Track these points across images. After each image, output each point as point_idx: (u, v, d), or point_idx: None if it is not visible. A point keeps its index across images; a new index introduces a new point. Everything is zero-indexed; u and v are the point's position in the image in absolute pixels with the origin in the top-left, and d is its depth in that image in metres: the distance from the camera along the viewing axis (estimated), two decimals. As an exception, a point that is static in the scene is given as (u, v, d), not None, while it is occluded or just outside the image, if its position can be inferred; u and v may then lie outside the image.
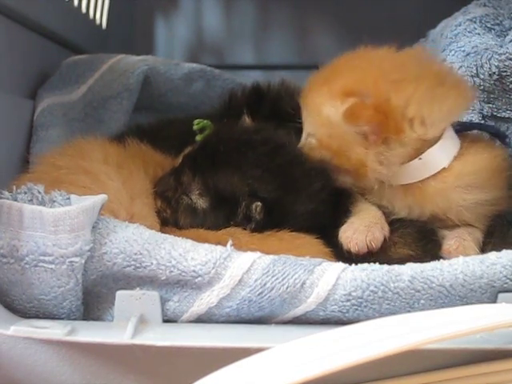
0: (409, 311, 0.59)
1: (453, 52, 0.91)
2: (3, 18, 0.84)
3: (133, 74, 1.01)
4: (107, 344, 0.57)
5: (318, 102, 0.78)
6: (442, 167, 0.75)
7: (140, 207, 0.75)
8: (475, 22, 0.92)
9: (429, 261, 0.61)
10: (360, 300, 0.59)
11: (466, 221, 0.77)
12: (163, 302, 0.61)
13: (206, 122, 0.89)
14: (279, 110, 0.91)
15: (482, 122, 0.91)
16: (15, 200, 0.61)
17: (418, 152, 0.74)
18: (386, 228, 0.75)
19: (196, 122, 0.89)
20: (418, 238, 0.75)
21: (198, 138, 0.88)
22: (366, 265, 0.61)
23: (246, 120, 0.86)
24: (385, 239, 0.74)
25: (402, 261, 0.62)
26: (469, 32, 0.92)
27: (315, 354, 0.47)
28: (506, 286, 0.59)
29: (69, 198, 0.62)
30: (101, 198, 0.62)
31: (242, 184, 0.75)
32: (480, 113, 0.91)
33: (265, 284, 0.59)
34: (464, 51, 0.90)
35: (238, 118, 0.88)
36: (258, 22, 1.44)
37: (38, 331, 0.57)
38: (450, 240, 0.75)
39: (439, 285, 0.59)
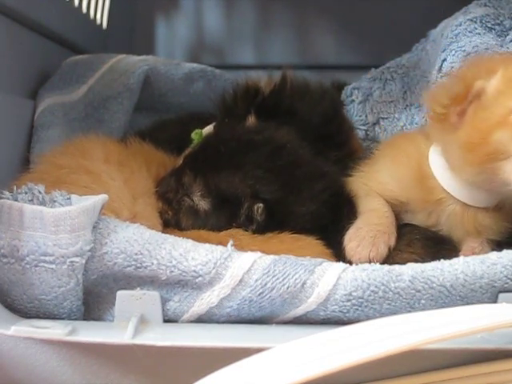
0: (409, 311, 0.59)
1: (453, 52, 0.91)
2: (4, 17, 0.84)
3: (133, 73, 1.01)
4: (108, 344, 0.57)
5: None
6: None
7: (143, 207, 0.75)
8: (476, 22, 0.92)
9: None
10: (360, 300, 0.59)
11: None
12: (164, 301, 0.61)
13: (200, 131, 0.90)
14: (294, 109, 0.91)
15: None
16: (16, 200, 0.61)
17: None
18: (393, 238, 0.74)
19: (194, 133, 0.90)
20: (427, 245, 0.74)
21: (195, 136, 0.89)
22: (366, 265, 0.61)
23: (251, 120, 0.86)
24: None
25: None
26: (469, 32, 0.92)
27: (315, 354, 0.47)
28: (506, 285, 0.59)
29: (69, 198, 0.62)
30: (101, 198, 0.62)
31: (244, 185, 0.75)
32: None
33: (265, 284, 0.59)
34: (464, 51, 0.90)
35: (243, 116, 0.88)
36: (258, 22, 1.44)
37: (38, 331, 0.57)
38: (473, 243, 0.75)
39: (440, 285, 0.59)
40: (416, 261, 0.70)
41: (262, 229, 0.74)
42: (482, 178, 0.71)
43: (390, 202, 0.78)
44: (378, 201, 0.78)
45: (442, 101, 0.74)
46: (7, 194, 0.62)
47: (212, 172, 0.77)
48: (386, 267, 0.61)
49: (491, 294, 0.60)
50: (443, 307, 0.58)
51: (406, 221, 0.79)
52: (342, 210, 0.78)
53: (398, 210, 0.79)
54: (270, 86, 0.94)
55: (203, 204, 0.77)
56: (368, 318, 0.59)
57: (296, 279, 0.59)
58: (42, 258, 0.58)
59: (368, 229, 0.73)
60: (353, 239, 0.73)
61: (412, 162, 0.78)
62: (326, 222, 0.76)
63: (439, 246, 0.74)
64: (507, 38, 0.89)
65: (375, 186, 0.79)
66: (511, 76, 0.71)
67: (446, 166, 0.75)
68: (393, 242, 0.73)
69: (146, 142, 0.87)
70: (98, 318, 0.62)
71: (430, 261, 0.62)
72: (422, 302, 0.59)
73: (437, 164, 0.76)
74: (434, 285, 0.59)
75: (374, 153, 0.83)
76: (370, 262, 0.70)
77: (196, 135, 0.90)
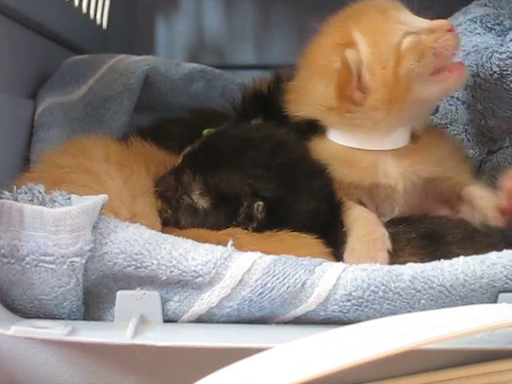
0: (409, 311, 0.59)
1: (453, 52, 0.91)
2: (3, 17, 0.84)
3: (133, 73, 1.01)
4: (108, 344, 0.57)
5: None
6: None
7: (142, 206, 0.75)
8: (476, 22, 0.92)
9: None
10: (361, 300, 0.59)
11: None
12: (164, 301, 0.61)
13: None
14: None
15: (483, 121, 0.91)
16: (16, 200, 0.61)
17: None
18: (386, 238, 0.73)
19: (205, 131, 0.90)
20: (424, 245, 0.73)
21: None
22: (366, 265, 0.61)
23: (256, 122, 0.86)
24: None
25: None
26: (469, 32, 0.92)
27: (315, 354, 0.47)
28: (506, 286, 0.59)
29: (69, 198, 0.62)
30: (101, 197, 0.62)
31: (244, 184, 0.75)
32: (481, 113, 0.91)
33: (265, 284, 0.59)
34: (464, 50, 0.90)
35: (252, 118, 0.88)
36: (258, 22, 1.44)
37: (38, 331, 0.57)
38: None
39: (440, 285, 0.59)
40: (416, 262, 0.69)
41: (263, 227, 0.74)
42: (408, 113, 0.77)
43: (356, 191, 0.79)
44: (355, 208, 0.78)
45: (328, 94, 0.78)
46: (7, 193, 0.62)
47: (211, 170, 0.77)
48: (386, 267, 0.61)
49: (491, 293, 0.60)
50: (443, 307, 0.58)
51: (386, 212, 0.79)
52: (340, 208, 0.78)
53: (372, 201, 0.80)
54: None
55: (202, 202, 0.77)
56: (368, 317, 0.59)
57: (296, 279, 0.59)
58: (42, 258, 0.58)
59: (360, 245, 0.73)
60: (351, 261, 0.72)
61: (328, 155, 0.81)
62: (326, 220, 0.77)
63: (435, 242, 0.74)
64: (507, 36, 0.89)
65: None
66: (364, 28, 0.77)
67: (357, 133, 0.78)
68: (388, 243, 0.73)
69: (148, 140, 0.87)
70: (98, 318, 0.62)
71: (428, 260, 0.62)
72: (422, 301, 0.59)
73: (346, 138, 0.79)
74: (434, 285, 0.59)
75: None
76: None
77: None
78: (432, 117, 0.93)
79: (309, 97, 0.81)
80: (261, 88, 0.94)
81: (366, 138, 0.78)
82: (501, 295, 0.59)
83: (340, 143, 0.80)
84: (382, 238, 0.74)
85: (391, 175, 0.78)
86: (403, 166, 0.78)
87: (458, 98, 0.93)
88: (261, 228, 0.74)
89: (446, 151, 0.81)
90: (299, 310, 0.60)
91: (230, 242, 0.62)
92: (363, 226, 0.75)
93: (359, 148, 0.79)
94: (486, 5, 0.94)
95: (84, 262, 0.59)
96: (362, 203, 0.80)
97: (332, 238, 0.75)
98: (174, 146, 0.88)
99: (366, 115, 0.77)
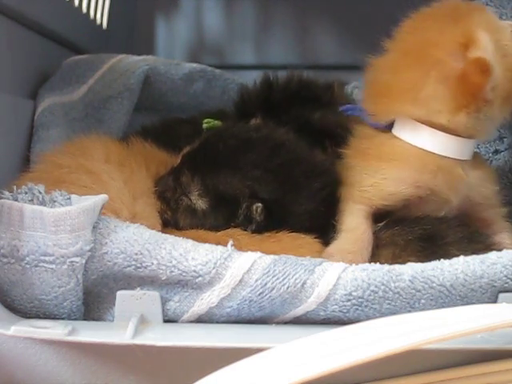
0: (409, 311, 0.59)
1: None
2: (3, 17, 0.84)
3: (133, 73, 1.01)
4: (108, 344, 0.57)
5: None
6: None
7: (142, 207, 0.75)
8: (477, 22, 0.92)
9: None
10: (361, 300, 0.59)
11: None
12: (164, 302, 0.61)
13: (216, 122, 0.89)
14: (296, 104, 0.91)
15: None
16: (16, 200, 0.61)
17: None
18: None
19: (206, 121, 0.89)
20: (422, 247, 0.72)
21: None
22: (366, 264, 0.61)
23: (255, 122, 0.86)
24: (387, 248, 0.73)
25: None
26: (471, 32, 0.92)
27: (315, 354, 0.47)
28: (506, 285, 0.59)
29: (69, 198, 0.62)
30: (101, 197, 0.62)
31: (243, 185, 0.75)
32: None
33: (265, 284, 0.59)
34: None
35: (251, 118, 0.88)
36: (258, 22, 1.44)
37: (38, 331, 0.57)
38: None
39: (440, 284, 0.59)
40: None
41: (262, 229, 0.74)
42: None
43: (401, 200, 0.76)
44: (354, 217, 0.75)
45: (445, 93, 0.73)
46: (7, 193, 0.62)
47: (210, 171, 0.77)
48: (386, 267, 0.61)
49: (491, 293, 0.60)
50: (443, 307, 0.58)
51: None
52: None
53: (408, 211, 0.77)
54: None
55: (201, 203, 0.77)
56: (368, 317, 0.59)
57: (296, 279, 0.59)
58: (42, 257, 0.58)
59: (339, 257, 0.71)
60: None
61: (414, 158, 0.76)
62: (326, 221, 0.76)
63: (433, 244, 0.73)
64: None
65: (385, 193, 0.76)
66: (482, 25, 0.74)
67: (449, 138, 0.75)
68: None
69: (156, 140, 0.87)
70: (98, 318, 0.62)
71: (427, 261, 0.62)
72: (422, 301, 0.59)
73: (432, 142, 0.75)
74: (434, 284, 0.59)
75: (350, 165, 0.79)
76: None
77: (209, 123, 0.89)
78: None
79: (414, 95, 0.75)
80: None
81: (454, 144, 0.75)
82: (501, 295, 0.59)
83: (420, 146, 0.75)
84: (364, 260, 0.72)
85: (459, 187, 0.75)
86: (471, 177, 0.76)
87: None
88: (260, 229, 0.74)
89: (493, 175, 0.80)
90: (299, 310, 0.60)
91: (230, 242, 0.62)
92: (354, 241, 0.74)
93: (441, 154, 0.75)
94: (487, 4, 0.94)
95: (84, 262, 0.59)
96: (387, 211, 0.77)
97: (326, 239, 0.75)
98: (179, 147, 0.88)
99: (491, 113, 0.74)
